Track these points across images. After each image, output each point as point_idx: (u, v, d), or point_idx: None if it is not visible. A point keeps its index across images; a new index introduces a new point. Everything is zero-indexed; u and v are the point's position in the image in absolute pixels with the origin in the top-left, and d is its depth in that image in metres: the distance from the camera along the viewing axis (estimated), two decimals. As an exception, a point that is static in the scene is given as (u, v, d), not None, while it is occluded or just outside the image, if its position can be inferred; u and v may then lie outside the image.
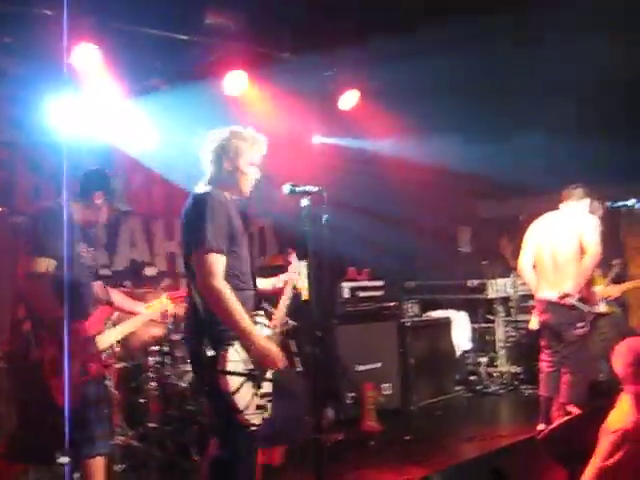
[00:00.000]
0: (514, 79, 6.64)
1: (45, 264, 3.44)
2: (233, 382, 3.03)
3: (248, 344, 3.08)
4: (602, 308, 5.58)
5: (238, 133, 3.34)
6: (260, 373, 3.17)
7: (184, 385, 5.09)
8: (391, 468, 4.75)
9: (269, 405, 3.23)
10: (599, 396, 5.55)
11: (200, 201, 3.16)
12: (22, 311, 3.51)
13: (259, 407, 3.15)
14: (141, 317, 4.08)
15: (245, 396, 3.08)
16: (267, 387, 3.23)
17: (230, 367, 3.03)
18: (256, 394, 3.15)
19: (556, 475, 2.95)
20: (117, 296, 4.10)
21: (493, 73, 6.34)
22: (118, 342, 3.84)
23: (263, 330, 3.29)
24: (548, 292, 5.28)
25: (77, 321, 3.50)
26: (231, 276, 3.13)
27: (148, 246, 6.86)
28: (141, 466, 4.74)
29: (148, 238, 6.87)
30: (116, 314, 3.94)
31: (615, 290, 5.88)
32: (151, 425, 4.92)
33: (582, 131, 6.62)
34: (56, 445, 3.34)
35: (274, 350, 3.16)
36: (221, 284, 3.04)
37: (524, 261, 5.54)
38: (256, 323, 3.22)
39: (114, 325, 3.83)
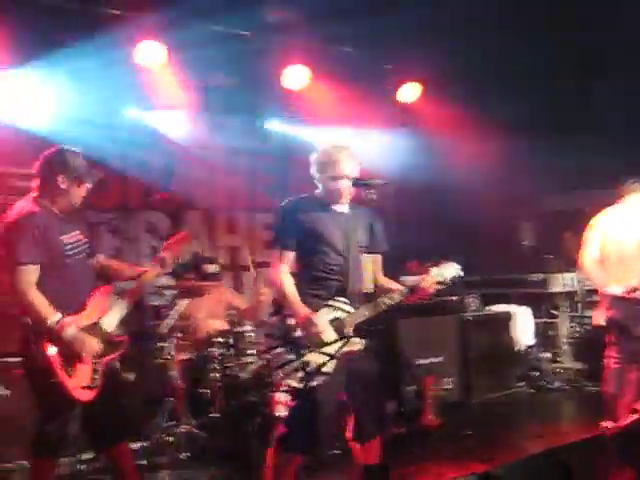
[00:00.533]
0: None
1: (29, 273, 3.41)
2: None
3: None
4: None
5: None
6: None
7: (246, 376, 5.17)
8: (451, 462, 4.73)
9: None
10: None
11: None
12: (24, 319, 3.47)
13: None
14: (138, 284, 3.91)
15: None
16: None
17: None
18: None
19: (623, 474, 2.89)
20: (110, 265, 3.99)
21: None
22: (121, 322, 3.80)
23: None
24: (614, 287, 5.16)
25: (76, 313, 3.54)
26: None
27: (209, 240, 6.97)
28: (204, 455, 4.85)
29: (210, 232, 6.99)
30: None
31: None
32: (214, 415, 5.03)
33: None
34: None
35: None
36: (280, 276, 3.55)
37: (589, 255, 5.42)
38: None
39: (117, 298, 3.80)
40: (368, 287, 3.58)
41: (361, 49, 6.32)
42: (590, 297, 7.13)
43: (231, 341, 5.27)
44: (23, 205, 3.58)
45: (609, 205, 5.53)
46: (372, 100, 6.76)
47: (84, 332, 3.52)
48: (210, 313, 5.73)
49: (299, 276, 3.59)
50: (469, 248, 7.50)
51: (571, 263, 7.48)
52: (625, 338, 5.19)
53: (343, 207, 3.69)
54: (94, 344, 3.53)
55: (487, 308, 7.42)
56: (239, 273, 6.85)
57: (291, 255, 3.58)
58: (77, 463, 4.67)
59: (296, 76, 6.30)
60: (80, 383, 3.49)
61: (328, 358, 3.40)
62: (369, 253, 3.67)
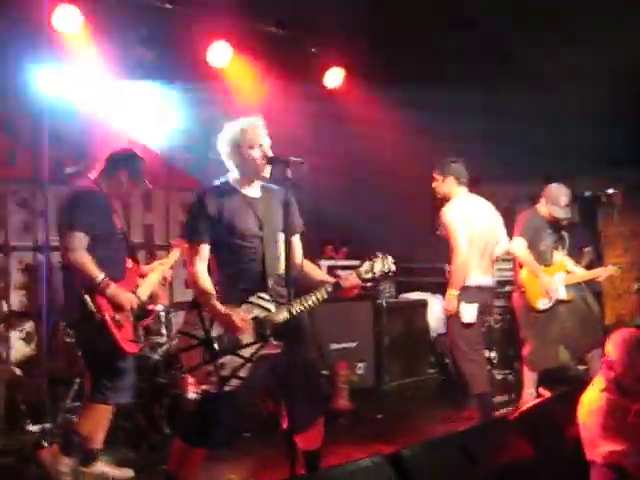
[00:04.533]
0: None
1: (81, 238, 3.95)
2: None
3: None
4: (562, 295, 5.60)
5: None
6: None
7: (157, 357, 5.07)
8: (361, 445, 4.79)
9: None
10: (564, 382, 5.66)
11: None
12: (78, 280, 4.00)
13: None
14: (159, 270, 4.53)
15: None
16: None
17: None
18: None
19: (523, 451, 2.98)
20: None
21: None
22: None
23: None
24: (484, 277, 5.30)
25: (117, 281, 4.07)
26: None
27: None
28: (113, 437, 4.73)
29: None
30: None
31: (575, 278, 5.87)
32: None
33: (563, 119, 6.61)
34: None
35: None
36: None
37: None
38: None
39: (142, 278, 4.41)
40: (292, 271, 3.39)
41: (286, 30, 6.25)
42: (501, 288, 7.34)
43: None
44: (85, 184, 4.25)
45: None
46: (295, 83, 6.71)
47: None
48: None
49: (216, 269, 3.48)
50: (384, 236, 7.59)
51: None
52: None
53: (255, 190, 3.57)
54: (133, 298, 4.14)
55: (402, 295, 7.53)
56: (153, 251, 6.70)
57: (206, 248, 3.46)
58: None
59: (219, 53, 6.18)
60: (128, 336, 4.07)
61: (243, 362, 3.31)
62: (286, 235, 3.45)
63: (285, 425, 3.43)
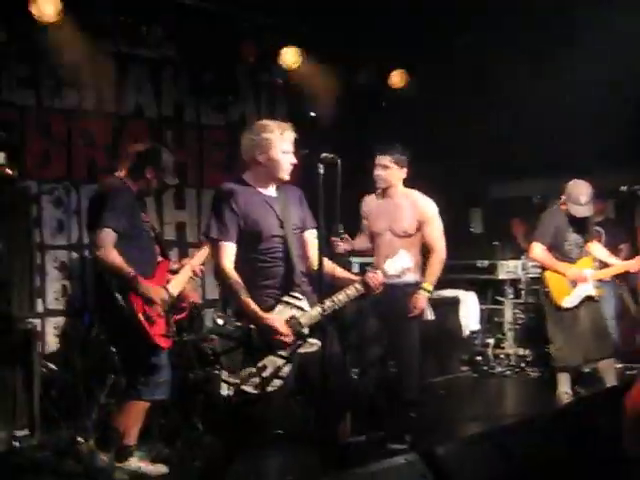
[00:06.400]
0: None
1: (109, 235, 3.94)
2: None
3: None
4: (590, 291, 5.50)
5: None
6: None
7: (191, 354, 5.09)
8: (394, 442, 4.74)
9: None
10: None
11: None
12: (108, 276, 4.02)
13: None
14: (189, 266, 4.47)
15: None
16: None
17: None
18: None
19: (558, 450, 2.94)
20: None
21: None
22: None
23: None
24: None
25: (147, 277, 4.08)
26: None
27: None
28: (147, 433, 4.76)
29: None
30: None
31: (607, 272, 5.75)
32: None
33: (598, 114, 6.51)
34: None
35: None
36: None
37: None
38: None
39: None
40: (318, 268, 3.34)
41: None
42: (535, 285, 7.26)
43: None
44: (112, 181, 4.23)
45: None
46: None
47: None
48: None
49: (240, 269, 3.43)
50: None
51: (518, 250, 7.63)
52: None
53: (272, 190, 3.57)
54: (163, 293, 4.12)
55: (435, 293, 7.46)
56: (186, 249, 6.74)
57: (232, 247, 3.43)
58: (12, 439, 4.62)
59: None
60: (160, 331, 4.07)
61: (285, 361, 3.32)
62: (302, 232, 3.58)
63: (315, 422, 3.44)
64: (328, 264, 3.62)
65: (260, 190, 3.54)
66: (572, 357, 5.53)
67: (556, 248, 5.54)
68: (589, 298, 5.53)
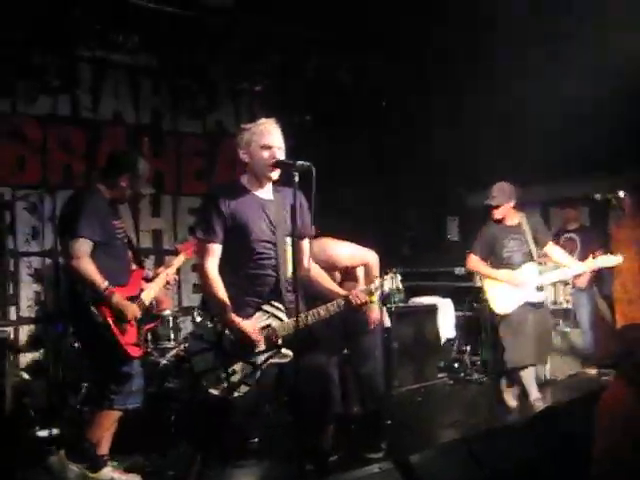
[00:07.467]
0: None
1: (84, 245, 3.88)
2: None
3: None
4: (532, 296, 5.41)
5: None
6: None
7: (165, 362, 5.06)
8: (370, 451, 4.72)
9: None
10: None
11: None
12: (81, 286, 3.94)
13: None
14: (164, 275, 4.42)
15: None
16: None
17: None
18: None
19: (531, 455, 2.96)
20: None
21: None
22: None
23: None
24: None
25: (121, 285, 4.03)
26: None
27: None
28: (120, 445, 4.71)
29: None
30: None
31: (555, 275, 5.69)
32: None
33: (577, 120, 6.56)
34: None
35: None
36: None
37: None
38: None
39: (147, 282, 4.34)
40: (300, 276, 3.34)
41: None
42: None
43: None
44: (86, 189, 4.29)
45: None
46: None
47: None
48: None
49: (226, 272, 3.39)
50: (393, 241, 7.57)
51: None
52: None
53: (267, 192, 3.50)
54: (135, 310, 4.05)
55: (412, 300, 7.49)
56: (162, 257, 6.70)
57: (218, 248, 3.38)
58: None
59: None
60: (131, 340, 4.04)
61: (253, 369, 3.30)
62: (295, 239, 3.36)
63: (294, 432, 3.42)
64: (319, 274, 3.63)
65: (254, 192, 3.48)
66: (521, 357, 5.43)
67: (495, 256, 5.56)
68: (531, 304, 5.44)
